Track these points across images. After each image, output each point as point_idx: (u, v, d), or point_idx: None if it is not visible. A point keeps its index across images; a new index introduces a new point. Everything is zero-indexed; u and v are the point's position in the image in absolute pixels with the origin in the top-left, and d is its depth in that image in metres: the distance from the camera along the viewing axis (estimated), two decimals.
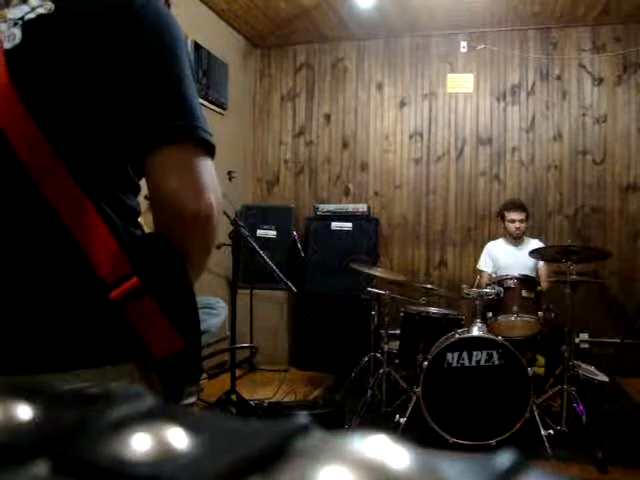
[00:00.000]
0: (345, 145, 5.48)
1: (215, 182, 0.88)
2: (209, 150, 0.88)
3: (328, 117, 5.53)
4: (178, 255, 0.88)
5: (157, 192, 0.85)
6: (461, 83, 5.21)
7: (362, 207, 5.06)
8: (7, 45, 0.83)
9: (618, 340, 4.57)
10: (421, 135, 5.31)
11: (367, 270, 3.84)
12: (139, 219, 0.96)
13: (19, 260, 0.83)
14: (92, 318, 0.84)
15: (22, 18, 0.84)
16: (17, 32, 0.83)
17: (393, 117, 5.39)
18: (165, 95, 0.86)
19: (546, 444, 2.89)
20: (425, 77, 5.32)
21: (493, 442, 2.94)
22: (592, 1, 4.47)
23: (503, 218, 4.12)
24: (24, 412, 0.20)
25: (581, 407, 3.02)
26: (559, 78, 5.04)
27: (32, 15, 0.84)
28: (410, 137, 5.34)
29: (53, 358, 0.82)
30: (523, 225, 4.04)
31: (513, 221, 4.03)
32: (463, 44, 5.15)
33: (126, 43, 0.84)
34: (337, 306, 4.76)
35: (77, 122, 0.84)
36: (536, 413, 3.01)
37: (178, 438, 0.18)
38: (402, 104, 5.37)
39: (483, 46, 5.11)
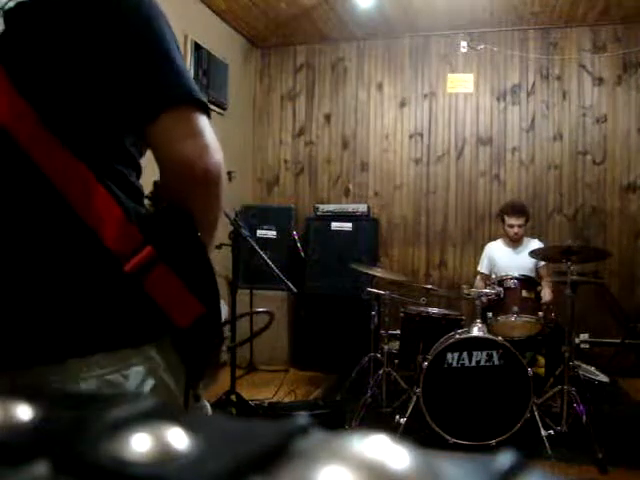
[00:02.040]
0: (345, 145, 5.48)
1: (216, 140, 0.91)
2: (205, 110, 0.90)
3: (328, 117, 5.53)
4: (189, 220, 0.89)
5: (166, 156, 0.87)
6: (461, 83, 5.21)
7: (362, 207, 5.06)
8: None
9: (618, 340, 4.57)
10: (421, 135, 5.31)
11: (367, 270, 3.84)
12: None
13: (25, 244, 0.83)
14: (110, 297, 0.84)
15: (2, 8, 0.86)
16: None
17: (393, 117, 5.39)
18: (156, 64, 0.88)
19: (546, 444, 2.89)
20: (425, 77, 5.32)
21: (493, 442, 2.94)
22: (592, 1, 4.47)
23: (503, 221, 4.12)
24: (24, 412, 0.20)
25: (581, 407, 3.01)
26: (559, 78, 5.04)
27: (11, 4, 0.86)
28: (410, 137, 5.34)
29: (73, 344, 0.81)
30: (522, 229, 4.04)
31: (512, 226, 4.02)
32: (463, 44, 5.15)
33: (108, 18, 0.86)
34: (337, 306, 4.76)
35: (70, 100, 0.86)
36: (536, 413, 3.01)
37: (178, 438, 0.18)
38: (402, 104, 5.37)
39: (483, 46, 5.11)
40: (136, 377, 0.85)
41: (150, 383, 0.87)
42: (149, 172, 1.00)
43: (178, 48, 0.92)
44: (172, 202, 0.92)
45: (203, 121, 0.89)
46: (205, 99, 0.91)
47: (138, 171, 0.96)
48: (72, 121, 0.86)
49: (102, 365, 0.82)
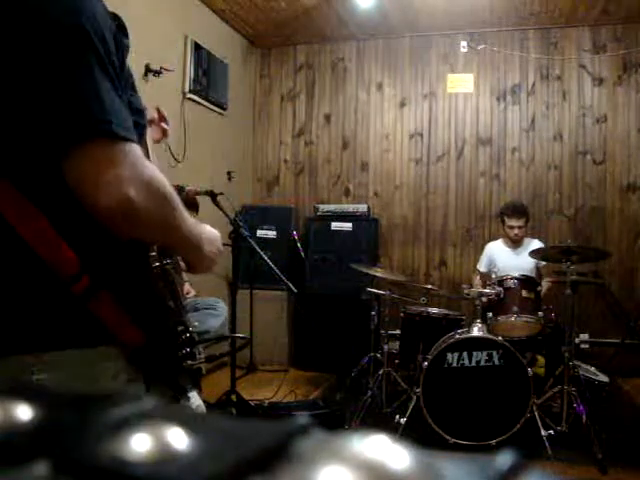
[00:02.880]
0: (345, 145, 5.48)
1: (138, 171, 0.85)
2: (121, 138, 0.84)
3: (328, 117, 5.53)
4: (132, 248, 0.91)
5: (76, 193, 0.84)
6: (461, 83, 5.21)
7: (362, 207, 5.06)
8: None
9: (618, 340, 4.57)
10: (421, 135, 5.31)
11: (367, 270, 3.84)
12: None
13: None
14: (55, 304, 0.88)
15: None
16: None
17: (393, 117, 5.39)
18: (59, 94, 0.82)
19: (546, 444, 2.89)
20: (425, 77, 5.32)
21: (493, 442, 2.94)
22: (592, 1, 4.47)
23: (503, 222, 4.11)
24: (24, 412, 0.20)
25: (581, 407, 3.01)
26: (559, 78, 5.04)
27: None
28: (410, 137, 5.34)
29: (35, 339, 0.87)
30: (522, 231, 4.03)
31: (512, 227, 4.01)
32: (463, 44, 5.15)
33: (20, 41, 0.82)
34: (337, 306, 4.76)
35: (9, 128, 0.85)
36: (536, 413, 3.01)
37: (178, 438, 0.18)
38: (402, 104, 5.37)
39: (483, 46, 5.12)
40: (106, 373, 0.91)
41: (123, 378, 0.93)
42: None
43: (108, 55, 0.85)
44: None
45: (114, 153, 0.83)
46: (118, 128, 0.83)
47: None
48: (10, 148, 0.85)
49: (71, 358, 0.88)
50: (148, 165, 0.87)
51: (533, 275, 3.84)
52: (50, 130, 0.82)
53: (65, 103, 0.82)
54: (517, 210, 4.04)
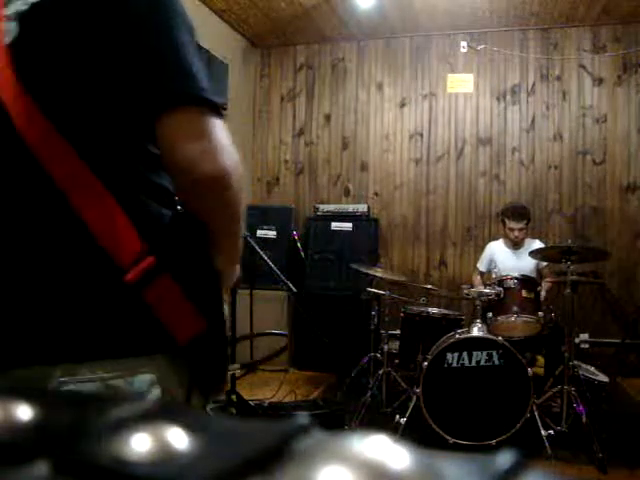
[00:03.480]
0: (345, 145, 5.48)
1: (228, 143, 0.86)
2: (215, 110, 0.86)
3: (328, 117, 5.53)
4: (198, 229, 0.86)
5: (171, 160, 0.84)
6: (461, 83, 5.21)
7: (362, 207, 5.06)
8: (7, 40, 0.84)
9: (618, 340, 4.57)
10: (421, 135, 5.31)
11: (367, 270, 3.84)
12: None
13: (25, 247, 0.83)
14: (109, 305, 0.82)
15: (17, 12, 0.85)
16: (14, 26, 0.84)
17: (393, 117, 5.39)
18: (162, 61, 0.84)
19: (546, 444, 2.89)
20: (425, 77, 5.32)
21: (493, 442, 2.94)
22: (592, 1, 4.47)
23: (504, 223, 4.10)
24: (25, 412, 0.20)
25: (581, 407, 3.01)
26: (559, 78, 5.04)
27: (25, 7, 0.84)
28: (410, 137, 5.34)
29: (68, 349, 0.81)
30: (523, 233, 4.01)
31: (512, 230, 4.00)
32: (463, 44, 5.15)
33: (116, 14, 0.83)
34: (337, 306, 4.76)
35: (82, 104, 0.84)
36: (536, 413, 3.01)
37: (178, 438, 0.18)
38: (402, 104, 5.37)
39: (483, 46, 5.12)
40: (141, 385, 0.84)
41: (155, 392, 0.86)
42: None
43: (193, 42, 0.88)
44: (185, 208, 0.89)
45: (211, 122, 0.84)
46: (216, 99, 0.86)
47: (162, 169, 0.93)
48: (84, 125, 0.84)
49: (104, 370, 0.81)
50: None
51: (534, 276, 3.83)
52: (147, 95, 0.83)
53: (164, 68, 0.84)
54: (517, 213, 4.00)
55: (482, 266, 4.22)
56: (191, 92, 0.84)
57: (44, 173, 0.80)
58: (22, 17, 0.84)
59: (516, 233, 3.99)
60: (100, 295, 0.82)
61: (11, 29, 0.84)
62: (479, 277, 4.22)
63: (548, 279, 3.97)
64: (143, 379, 0.84)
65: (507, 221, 4.03)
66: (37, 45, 0.84)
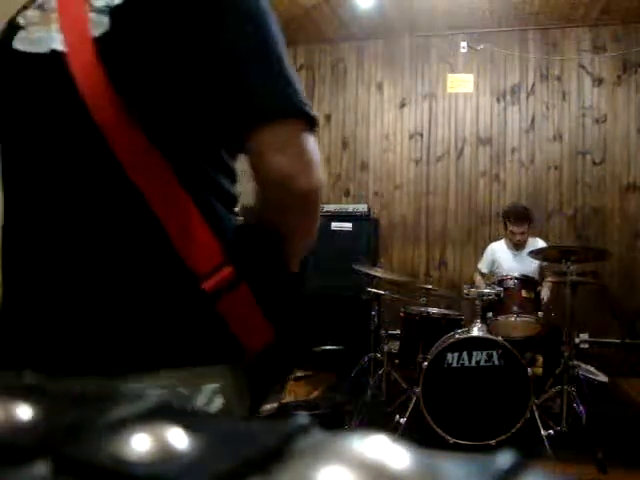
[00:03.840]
0: (345, 145, 5.48)
1: (319, 159, 0.84)
2: (312, 124, 0.83)
3: (328, 117, 5.53)
4: (278, 241, 0.84)
5: (263, 171, 0.81)
6: (461, 83, 5.21)
7: (362, 207, 5.06)
8: (95, 33, 0.79)
9: (618, 340, 4.58)
10: (421, 135, 5.31)
11: (367, 270, 3.84)
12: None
13: (101, 250, 0.80)
14: (183, 314, 0.81)
15: (109, 5, 0.80)
16: (105, 19, 0.79)
17: (393, 117, 5.39)
18: (261, 70, 0.81)
19: (546, 444, 2.89)
20: (425, 77, 5.32)
21: (493, 442, 2.94)
22: (592, 1, 4.47)
23: (505, 225, 4.09)
24: (25, 412, 0.20)
25: (581, 407, 3.02)
26: (559, 78, 5.04)
27: (119, 1, 0.80)
28: (410, 137, 5.34)
29: (137, 357, 0.79)
30: (524, 235, 3.99)
31: (514, 233, 3.98)
32: (463, 44, 5.15)
33: (212, 19, 0.80)
34: (337, 306, 4.76)
35: (169, 108, 0.81)
36: (536, 413, 3.01)
37: (178, 438, 0.18)
38: (402, 104, 5.37)
39: (483, 46, 5.12)
40: (206, 394, 0.83)
41: (218, 402, 0.84)
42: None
43: (286, 53, 0.86)
44: (264, 220, 0.86)
45: (307, 137, 0.82)
46: (313, 112, 0.84)
47: (233, 177, 0.92)
48: (170, 131, 0.81)
49: (171, 380, 0.79)
50: None
51: (537, 276, 3.83)
52: (244, 105, 0.81)
53: (262, 77, 0.81)
54: (519, 217, 3.95)
55: (484, 267, 4.20)
56: (290, 104, 0.82)
57: (127, 179, 0.77)
58: (115, 11, 0.79)
59: (518, 237, 3.97)
60: (175, 303, 0.80)
61: (101, 22, 0.79)
62: (480, 277, 4.21)
63: (549, 279, 3.96)
64: (209, 388, 0.82)
65: (508, 224, 4.01)
66: (129, 44, 0.79)
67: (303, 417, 0.20)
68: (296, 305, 0.90)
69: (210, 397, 0.83)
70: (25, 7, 0.89)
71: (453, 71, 5.24)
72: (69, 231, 0.80)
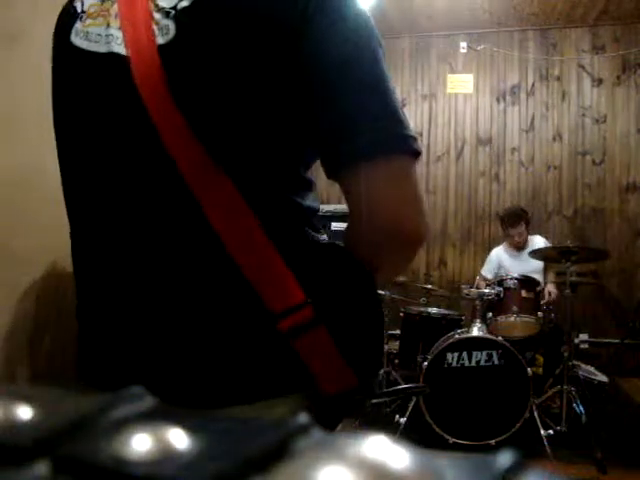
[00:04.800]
0: None
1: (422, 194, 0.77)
2: (416, 159, 0.75)
3: None
4: (369, 279, 0.75)
5: (371, 209, 0.73)
6: (461, 84, 5.21)
7: None
8: (160, 40, 0.68)
9: (618, 340, 4.58)
10: (421, 135, 5.31)
11: None
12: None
13: (176, 286, 0.73)
14: (256, 350, 0.73)
15: (175, 7, 0.69)
16: (171, 24, 0.68)
17: None
18: (361, 97, 0.71)
19: (546, 444, 2.89)
20: (425, 77, 5.32)
21: (493, 442, 2.94)
22: (592, 1, 4.47)
23: (503, 230, 4.10)
24: (24, 412, 0.20)
25: (581, 407, 3.02)
26: (559, 79, 5.04)
27: (186, 3, 0.68)
28: None
29: (207, 396, 0.71)
30: (523, 236, 4.02)
31: (512, 236, 4.00)
32: (463, 45, 5.15)
33: (301, 31, 0.68)
34: None
35: (243, 132, 0.70)
36: (536, 413, 3.01)
37: (178, 438, 0.18)
38: (402, 104, 5.35)
39: (483, 47, 5.12)
40: None
41: None
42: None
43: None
44: (355, 253, 0.77)
45: (414, 173, 0.74)
46: (418, 145, 0.75)
47: (310, 189, 0.84)
48: (238, 150, 0.70)
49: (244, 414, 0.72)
50: None
51: (541, 275, 3.83)
52: (342, 135, 0.71)
53: (363, 105, 0.72)
54: (514, 218, 3.98)
55: (488, 273, 4.15)
56: (400, 139, 0.73)
57: (198, 210, 0.68)
58: (181, 15, 0.68)
59: (517, 238, 3.99)
60: (248, 340, 0.73)
61: (167, 27, 0.68)
62: (483, 284, 4.17)
63: (551, 280, 3.97)
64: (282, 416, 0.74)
65: (506, 228, 4.04)
66: (198, 53, 0.68)
67: (303, 417, 0.20)
68: (380, 348, 0.81)
69: None
70: None
71: (453, 71, 5.24)
72: (141, 266, 0.73)
